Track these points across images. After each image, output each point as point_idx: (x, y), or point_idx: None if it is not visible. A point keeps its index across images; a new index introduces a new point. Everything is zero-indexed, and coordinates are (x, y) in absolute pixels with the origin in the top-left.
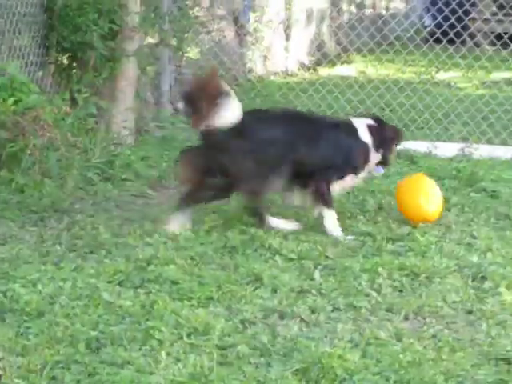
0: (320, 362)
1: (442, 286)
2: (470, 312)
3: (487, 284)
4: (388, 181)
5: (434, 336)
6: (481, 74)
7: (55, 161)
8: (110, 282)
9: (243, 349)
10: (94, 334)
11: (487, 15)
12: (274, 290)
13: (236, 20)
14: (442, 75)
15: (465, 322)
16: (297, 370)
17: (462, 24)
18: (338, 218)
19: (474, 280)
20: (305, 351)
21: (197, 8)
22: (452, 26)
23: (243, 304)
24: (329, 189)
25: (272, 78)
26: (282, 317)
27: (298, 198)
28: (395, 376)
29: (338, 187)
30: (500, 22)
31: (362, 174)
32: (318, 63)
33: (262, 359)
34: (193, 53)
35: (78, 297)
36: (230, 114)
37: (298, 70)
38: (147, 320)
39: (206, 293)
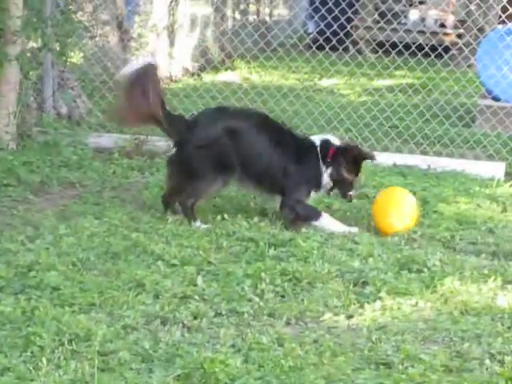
0: (202, 368)
1: (324, 291)
2: (351, 317)
3: (368, 289)
4: None
5: (315, 341)
6: (363, 81)
7: None
8: None
9: (125, 355)
10: None
11: (369, 23)
12: (157, 296)
13: (120, 25)
14: (324, 82)
15: (346, 326)
16: (179, 375)
17: (345, 31)
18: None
19: (355, 285)
20: (187, 357)
21: (80, 12)
22: (335, 33)
23: (125, 310)
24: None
25: None
26: (164, 322)
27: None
28: (277, 381)
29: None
30: (382, 29)
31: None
32: (202, 69)
33: (144, 365)
34: (76, 58)
35: None
36: None
37: (182, 75)
38: (28, 326)
39: (87, 299)
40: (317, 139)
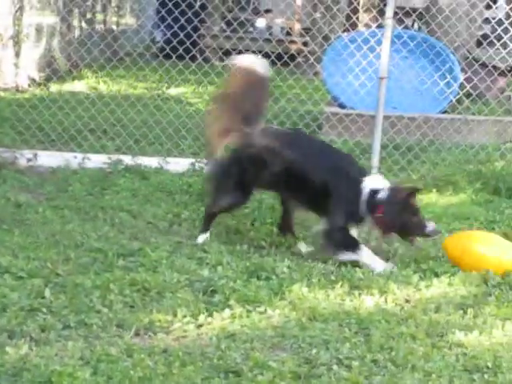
0: (50, 381)
1: (173, 301)
2: (200, 326)
3: (217, 297)
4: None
5: (164, 351)
6: (211, 90)
7: None
8: None
9: None
10: None
11: (216, 31)
12: (3, 309)
13: None
14: (172, 91)
15: (195, 335)
16: None
17: (191, 40)
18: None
19: (204, 294)
20: (34, 370)
21: None
22: (181, 42)
23: None
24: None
25: (1, 94)
26: (11, 336)
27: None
28: None
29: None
30: (228, 38)
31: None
32: (49, 79)
33: None
34: None
35: None
36: None
37: (29, 86)
38: None
39: None
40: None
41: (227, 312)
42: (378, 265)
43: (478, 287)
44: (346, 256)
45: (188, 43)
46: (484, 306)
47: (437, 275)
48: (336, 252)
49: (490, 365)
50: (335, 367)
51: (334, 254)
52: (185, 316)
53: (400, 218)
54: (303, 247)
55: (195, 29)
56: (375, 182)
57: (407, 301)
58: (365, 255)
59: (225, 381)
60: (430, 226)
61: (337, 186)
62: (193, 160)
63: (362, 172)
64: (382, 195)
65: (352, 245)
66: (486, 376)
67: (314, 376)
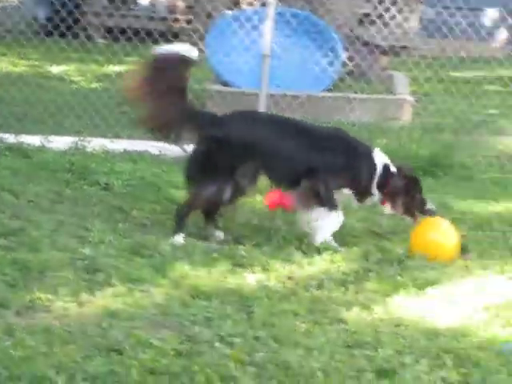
0: None
1: (55, 280)
2: (82, 304)
3: (100, 276)
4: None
5: (45, 330)
6: (94, 68)
7: None
8: None
9: None
10: None
11: (98, 9)
12: None
13: None
14: (55, 69)
15: (76, 314)
16: None
17: (74, 18)
18: None
19: (86, 272)
20: None
21: None
22: (64, 20)
23: None
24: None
25: None
26: None
27: None
28: (6, 372)
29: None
30: (111, 15)
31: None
32: None
33: None
34: None
35: None
36: None
37: None
38: None
39: None
40: (381, 161)
41: (109, 290)
42: (324, 235)
43: (359, 264)
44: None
45: (70, 21)
46: (365, 282)
47: (319, 252)
48: (324, 206)
49: (370, 340)
50: (217, 344)
51: (320, 208)
52: (66, 295)
53: (410, 194)
54: (220, 235)
55: (77, 6)
56: (384, 158)
57: (289, 278)
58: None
59: (106, 359)
60: (429, 204)
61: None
62: (75, 138)
63: (369, 147)
64: (393, 171)
65: (334, 204)
66: (366, 351)
67: (196, 353)
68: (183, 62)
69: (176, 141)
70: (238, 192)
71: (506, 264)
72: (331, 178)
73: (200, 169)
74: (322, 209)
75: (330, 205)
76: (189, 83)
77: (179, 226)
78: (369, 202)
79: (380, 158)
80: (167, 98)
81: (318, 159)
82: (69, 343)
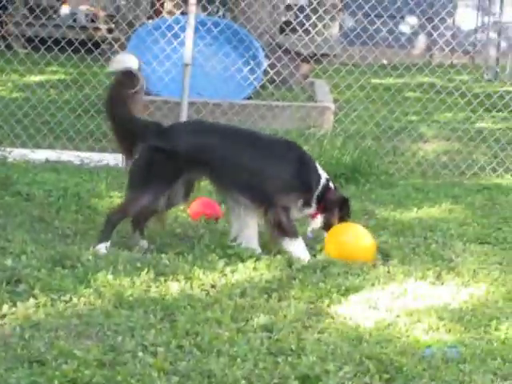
0: None
1: None
2: (3, 316)
3: (21, 287)
4: None
5: None
6: (14, 77)
7: None
8: None
9: None
10: None
11: (18, 18)
12: None
13: None
14: None
15: (1, 325)
16: None
17: None
18: None
19: (8, 284)
20: None
21: None
22: None
23: None
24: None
25: None
26: None
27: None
28: None
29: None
30: (31, 25)
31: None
32: None
33: None
34: None
35: None
36: None
37: None
38: None
39: None
40: (323, 174)
41: (31, 301)
42: (305, 255)
43: (283, 271)
44: (295, 244)
45: None
46: (289, 289)
47: (242, 260)
48: (288, 236)
49: (293, 347)
50: (140, 354)
51: (285, 239)
52: None
53: (342, 211)
54: (144, 244)
55: None
56: (323, 171)
57: (213, 286)
58: (300, 244)
59: (28, 370)
60: None
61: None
62: None
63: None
64: (331, 186)
65: (295, 231)
66: (289, 358)
67: (119, 363)
68: (124, 75)
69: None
70: (173, 202)
71: (427, 269)
72: (288, 199)
73: (140, 177)
74: (288, 239)
75: (293, 233)
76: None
77: (106, 234)
78: (304, 213)
79: (322, 171)
80: (114, 111)
81: (270, 173)
82: None
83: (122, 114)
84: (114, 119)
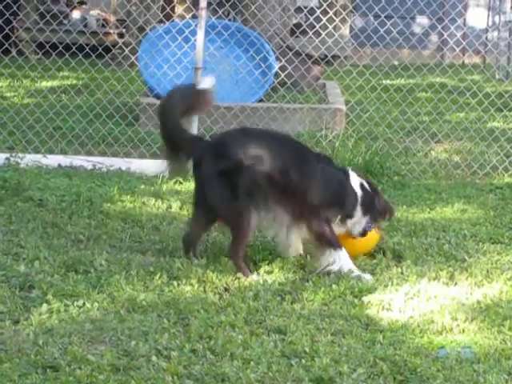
0: None
1: None
2: (17, 322)
3: (35, 293)
4: None
5: None
6: (26, 83)
7: None
8: None
9: None
10: None
11: (29, 24)
12: None
13: None
14: None
15: (12, 332)
16: None
17: (4, 33)
18: None
19: (21, 289)
20: None
21: None
22: None
23: None
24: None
25: None
26: None
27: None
28: None
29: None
30: (42, 30)
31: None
32: None
33: None
34: None
35: None
36: None
37: None
38: None
39: None
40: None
41: (45, 307)
42: (352, 268)
43: (296, 273)
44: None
45: (0, 36)
46: (301, 291)
47: (255, 262)
48: (334, 252)
49: (307, 350)
50: (154, 358)
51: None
52: (1, 312)
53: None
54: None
55: (8, 22)
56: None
57: (226, 289)
58: (343, 255)
59: (42, 376)
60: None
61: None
62: (8, 155)
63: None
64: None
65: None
66: (303, 361)
67: (133, 368)
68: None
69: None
70: None
71: (440, 270)
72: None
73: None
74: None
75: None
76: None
77: (245, 268)
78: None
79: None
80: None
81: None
82: (4, 362)
83: (174, 124)
84: (166, 128)
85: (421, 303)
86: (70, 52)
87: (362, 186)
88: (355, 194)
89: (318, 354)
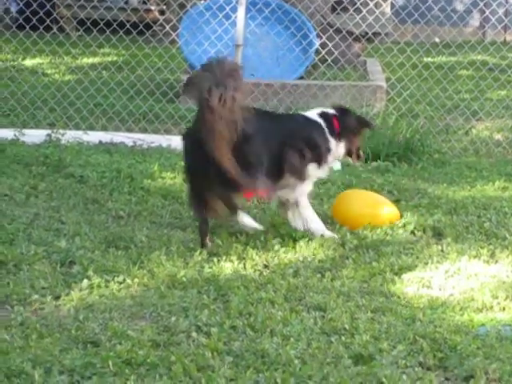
0: None
1: (30, 273)
2: (58, 297)
3: (75, 268)
4: None
5: (21, 323)
6: (67, 60)
7: None
8: None
9: None
10: None
11: (69, 1)
12: None
13: None
14: (28, 62)
15: (53, 307)
16: None
17: (45, 10)
18: None
19: (62, 265)
20: None
21: None
22: (36, 12)
23: None
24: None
25: None
26: None
27: None
28: None
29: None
30: (82, 7)
31: (326, 166)
32: None
33: None
34: None
35: None
36: None
37: None
38: None
39: None
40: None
41: (85, 283)
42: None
43: (336, 250)
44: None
45: (42, 13)
46: (341, 269)
47: (295, 240)
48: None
49: (347, 327)
50: (194, 334)
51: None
52: (42, 288)
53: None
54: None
55: None
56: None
57: (266, 266)
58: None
59: (83, 351)
60: None
61: None
62: (49, 131)
63: None
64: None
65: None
66: (343, 338)
67: (173, 344)
68: None
69: None
70: None
71: (481, 247)
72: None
73: None
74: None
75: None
76: None
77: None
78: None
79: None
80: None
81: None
82: (45, 337)
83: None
84: None
85: (461, 281)
86: (110, 29)
87: (321, 114)
88: (318, 124)
89: (357, 331)
